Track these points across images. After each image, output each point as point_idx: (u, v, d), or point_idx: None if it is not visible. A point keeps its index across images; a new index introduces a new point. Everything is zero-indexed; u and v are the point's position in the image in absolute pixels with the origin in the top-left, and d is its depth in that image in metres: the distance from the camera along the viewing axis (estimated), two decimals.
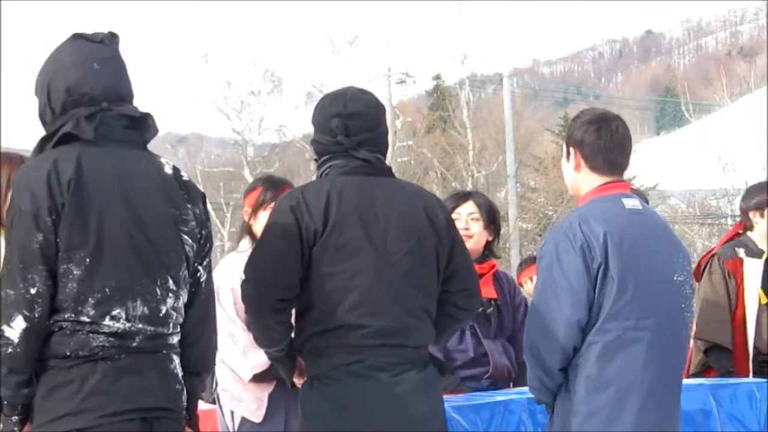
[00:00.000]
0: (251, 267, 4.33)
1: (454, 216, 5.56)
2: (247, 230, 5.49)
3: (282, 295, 4.22)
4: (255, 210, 5.41)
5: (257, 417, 5.12)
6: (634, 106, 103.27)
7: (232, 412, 5.19)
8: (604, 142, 4.55)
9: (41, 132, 3.90)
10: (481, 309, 5.69)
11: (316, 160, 4.54)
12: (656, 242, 4.53)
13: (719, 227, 44.45)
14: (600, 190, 4.55)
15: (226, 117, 44.13)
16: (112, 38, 3.98)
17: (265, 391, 5.09)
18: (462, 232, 5.52)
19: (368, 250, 4.26)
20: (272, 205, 5.05)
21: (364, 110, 4.47)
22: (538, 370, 4.47)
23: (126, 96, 3.95)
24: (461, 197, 6.00)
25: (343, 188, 4.30)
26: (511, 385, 5.89)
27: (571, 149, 4.60)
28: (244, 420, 5.17)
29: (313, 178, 4.63)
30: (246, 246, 5.37)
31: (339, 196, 4.27)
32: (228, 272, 5.25)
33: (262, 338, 4.42)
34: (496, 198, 39.99)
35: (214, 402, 5.68)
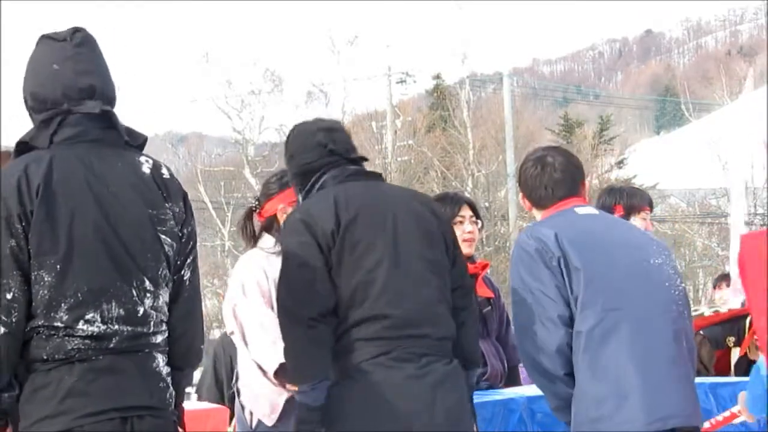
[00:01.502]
0: (284, 289, 4.33)
1: (458, 219, 5.74)
2: (268, 228, 5.30)
3: (318, 308, 4.20)
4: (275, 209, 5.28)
5: (270, 420, 5.07)
6: (633, 105, 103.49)
7: (251, 412, 5.15)
8: (542, 177, 4.70)
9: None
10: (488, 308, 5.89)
11: (300, 183, 4.56)
12: (618, 233, 4.64)
13: (719, 226, 44.50)
14: (552, 210, 4.69)
15: (226, 116, 44.29)
16: (73, 34, 3.92)
17: (282, 396, 4.99)
18: (467, 236, 5.62)
19: (382, 245, 4.30)
20: None
21: (337, 126, 4.67)
22: (548, 383, 4.53)
23: (91, 91, 3.86)
24: (459, 202, 6.00)
25: (347, 193, 4.37)
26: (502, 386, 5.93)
27: (520, 187, 4.81)
28: (260, 421, 5.12)
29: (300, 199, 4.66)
30: (269, 245, 5.23)
31: (345, 200, 4.33)
32: (252, 267, 5.16)
33: (298, 366, 4.31)
34: (497, 197, 40.17)
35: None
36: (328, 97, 43.16)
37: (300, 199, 4.61)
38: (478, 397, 5.06)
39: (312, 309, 4.19)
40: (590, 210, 4.72)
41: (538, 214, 4.76)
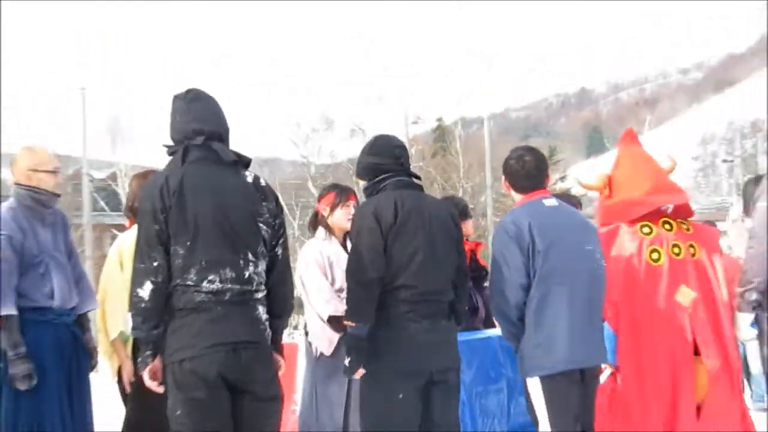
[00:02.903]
0: (356, 258, 4.20)
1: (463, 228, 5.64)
2: (323, 222, 5.20)
3: (378, 273, 4.11)
4: (332, 208, 5.15)
5: (327, 351, 4.96)
6: (571, 139, 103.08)
7: (316, 348, 5.05)
8: (521, 170, 4.53)
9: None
10: (483, 274, 5.86)
11: (368, 178, 4.39)
12: (569, 225, 4.44)
13: None
14: (526, 198, 4.51)
15: (296, 146, 44.99)
16: (187, 93, 3.90)
17: (335, 335, 4.89)
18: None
19: (422, 237, 4.19)
20: (347, 203, 5.12)
21: (406, 147, 4.51)
22: (506, 323, 4.40)
23: (200, 131, 3.80)
24: (465, 212, 5.91)
25: (403, 197, 4.24)
26: (482, 326, 5.84)
27: (505, 178, 4.61)
28: (321, 353, 5.02)
29: (361, 186, 4.51)
30: (322, 234, 5.17)
31: (402, 202, 4.21)
32: (312, 251, 5.11)
33: (357, 309, 4.16)
34: (479, 202, 39.97)
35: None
36: (365, 134, 43.11)
37: (363, 185, 4.45)
38: (469, 335, 4.99)
39: (371, 274, 4.10)
40: (553, 202, 4.50)
41: (516, 197, 4.56)
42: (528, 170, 4.52)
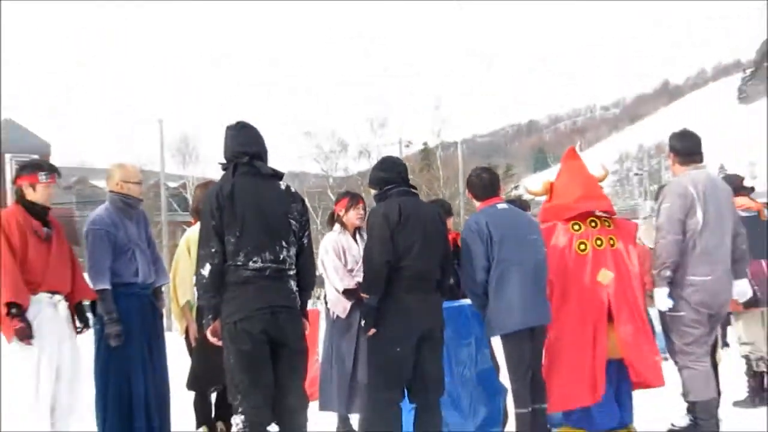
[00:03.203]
0: (370, 247, 4.16)
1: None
2: (339, 220, 5.15)
3: (387, 258, 4.07)
4: (346, 210, 5.12)
5: (343, 314, 4.95)
6: (522, 158, 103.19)
7: (333, 312, 5.01)
8: (479, 184, 4.56)
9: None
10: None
11: (378, 188, 4.31)
12: (517, 222, 4.46)
13: None
14: (484, 204, 4.53)
15: (317, 163, 45.21)
16: (236, 124, 3.85)
17: (348, 303, 4.89)
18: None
19: (418, 232, 4.13)
20: (357, 206, 5.09)
21: (405, 165, 4.45)
22: (474, 296, 4.43)
23: (245, 153, 3.74)
24: (447, 210, 5.68)
25: (405, 202, 4.20)
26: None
27: (469, 190, 4.66)
28: (337, 316, 4.99)
29: (372, 194, 4.44)
30: (338, 229, 5.13)
31: (404, 206, 4.17)
32: (330, 241, 5.07)
33: (371, 285, 4.13)
34: (454, 205, 39.55)
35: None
36: (370, 155, 43.25)
37: (374, 193, 4.38)
38: (448, 304, 4.82)
39: (382, 258, 4.07)
40: (504, 206, 4.54)
41: (477, 204, 4.58)
42: (485, 184, 4.55)
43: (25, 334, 3.99)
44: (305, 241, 3.83)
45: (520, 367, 4.31)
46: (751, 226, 5.46)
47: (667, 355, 4.80)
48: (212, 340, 3.68)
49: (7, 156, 23.56)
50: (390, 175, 4.31)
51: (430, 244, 4.17)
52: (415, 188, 4.44)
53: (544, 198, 5.06)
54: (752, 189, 6.25)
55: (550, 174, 5.33)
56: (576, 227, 4.76)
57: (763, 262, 5.66)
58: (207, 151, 41.76)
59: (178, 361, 5.03)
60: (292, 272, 3.74)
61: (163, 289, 4.84)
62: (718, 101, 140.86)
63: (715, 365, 4.97)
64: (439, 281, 4.28)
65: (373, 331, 4.13)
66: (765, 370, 5.86)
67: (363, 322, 4.18)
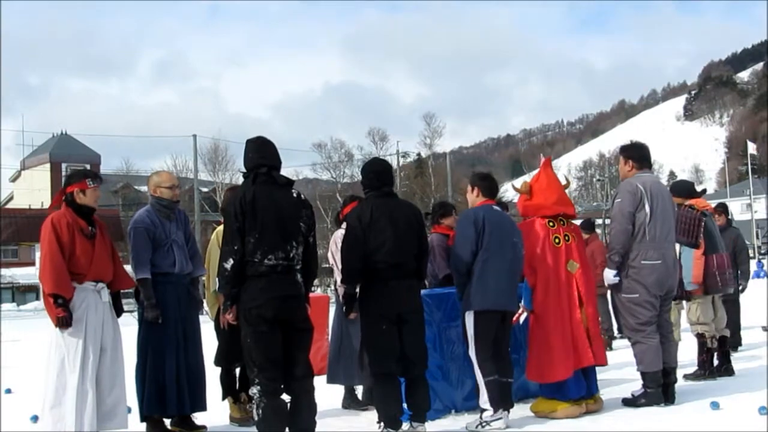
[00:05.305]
0: (346, 245, 4.13)
1: (446, 221, 5.43)
2: (345, 220, 4.91)
3: (358, 253, 4.02)
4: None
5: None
6: (501, 167, 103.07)
7: (341, 298, 4.77)
8: (486, 186, 4.64)
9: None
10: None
11: (365, 190, 4.29)
12: (505, 222, 4.52)
13: None
14: (481, 203, 4.57)
15: (328, 170, 45.97)
16: (257, 140, 3.81)
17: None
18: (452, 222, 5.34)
19: (391, 229, 4.07)
20: None
21: (390, 168, 4.38)
22: (458, 275, 4.42)
23: (263, 163, 3.72)
24: (449, 211, 5.58)
25: (378, 203, 4.13)
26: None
27: (474, 187, 4.65)
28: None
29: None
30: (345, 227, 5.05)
31: (378, 207, 4.10)
32: (339, 238, 4.92)
33: (348, 276, 4.11)
34: None
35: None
36: None
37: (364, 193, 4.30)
38: (440, 291, 4.85)
39: (356, 254, 4.03)
40: (497, 209, 4.57)
41: (478, 200, 4.58)
42: (491, 186, 4.66)
43: (64, 322, 3.93)
44: (310, 240, 3.82)
45: (486, 343, 4.32)
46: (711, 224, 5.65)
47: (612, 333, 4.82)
48: (229, 319, 3.69)
49: (63, 165, 23.60)
50: (373, 177, 4.21)
51: (402, 240, 4.06)
52: (393, 191, 4.29)
53: (518, 197, 5.07)
54: (704, 191, 6.24)
55: (527, 178, 5.35)
56: (551, 224, 4.81)
57: (724, 255, 5.67)
58: (235, 161, 41.60)
59: (209, 342, 4.94)
60: (299, 267, 3.74)
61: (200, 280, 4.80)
62: (668, 118, 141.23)
63: (675, 343, 5.02)
64: (416, 270, 4.17)
65: (353, 315, 4.10)
66: (716, 347, 5.82)
67: (343, 308, 4.12)
